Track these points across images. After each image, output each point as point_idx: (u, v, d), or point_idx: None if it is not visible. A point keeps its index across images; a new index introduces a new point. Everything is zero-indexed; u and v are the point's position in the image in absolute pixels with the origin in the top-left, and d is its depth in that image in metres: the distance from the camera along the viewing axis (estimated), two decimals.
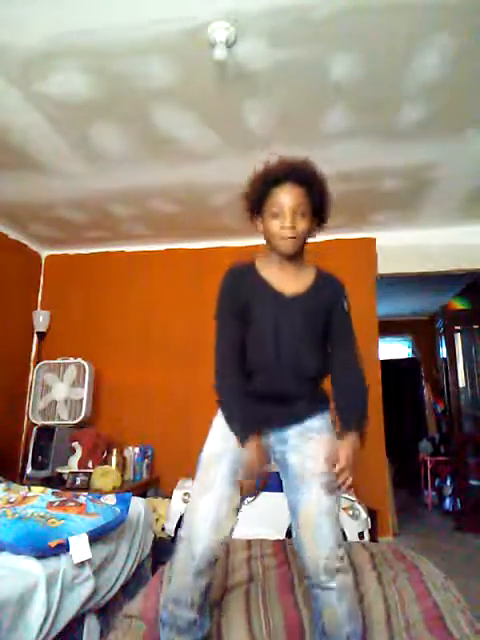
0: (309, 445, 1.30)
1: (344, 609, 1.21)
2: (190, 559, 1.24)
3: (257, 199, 1.34)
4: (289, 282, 1.35)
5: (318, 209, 1.36)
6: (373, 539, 2.86)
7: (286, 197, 1.29)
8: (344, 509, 2.69)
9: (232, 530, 1.29)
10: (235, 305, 1.35)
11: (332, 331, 1.38)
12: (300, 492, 1.27)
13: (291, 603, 1.51)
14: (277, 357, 1.30)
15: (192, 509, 1.28)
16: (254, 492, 1.36)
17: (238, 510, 1.30)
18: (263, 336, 1.32)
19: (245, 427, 1.26)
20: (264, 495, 2.74)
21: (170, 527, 2.78)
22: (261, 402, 1.30)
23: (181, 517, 2.54)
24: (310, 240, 1.38)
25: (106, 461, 3.32)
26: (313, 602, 1.28)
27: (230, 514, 1.26)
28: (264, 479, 1.35)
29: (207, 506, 1.25)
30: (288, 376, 1.31)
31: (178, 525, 2.66)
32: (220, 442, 1.31)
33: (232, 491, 1.27)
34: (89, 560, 1.65)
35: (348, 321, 1.41)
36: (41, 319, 3.95)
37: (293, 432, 1.33)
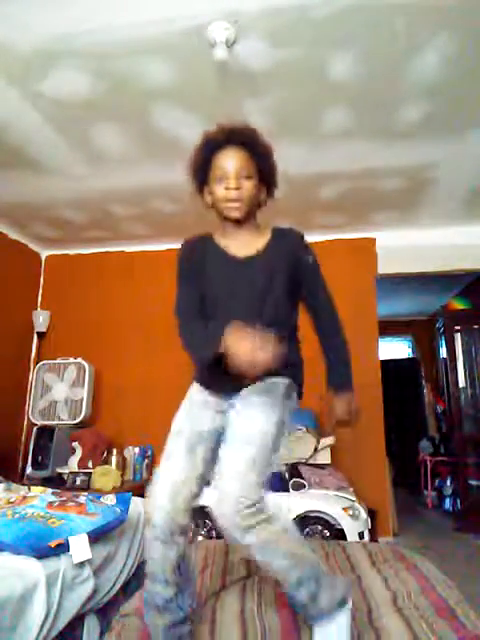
0: (246, 410, 1.24)
1: (278, 560, 1.15)
2: (151, 528, 1.23)
3: (201, 168, 1.33)
4: (242, 248, 1.32)
5: (265, 174, 1.33)
6: (373, 539, 2.87)
7: (228, 160, 1.28)
8: (344, 509, 2.69)
9: (194, 498, 1.25)
10: (189, 272, 1.34)
11: (303, 289, 1.35)
12: (223, 453, 1.20)
13: (287, 602, 1.50)
14: (233, 320, 1.22)
15: (153, 481, 1.28)
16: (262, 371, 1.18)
17: (203, 481, 1.27)
18: (217, 300, 1.29)
19: (212, 340, 1.19)
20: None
21: None
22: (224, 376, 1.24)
23: None
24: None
25: (106, 461, 3.32)
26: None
27: (187, 481, 1.24)
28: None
29: (163, 475, 1.25)
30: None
31: None
32: (181, 415, 1.34)
33: (188, 460, 1.26)
34: (89, 560, 1.65)
35: (317, 276, 1.37)
36: (41, 319, 3.95)
37: (238, 396, 1.27)
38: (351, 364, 1.38)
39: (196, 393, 1.37)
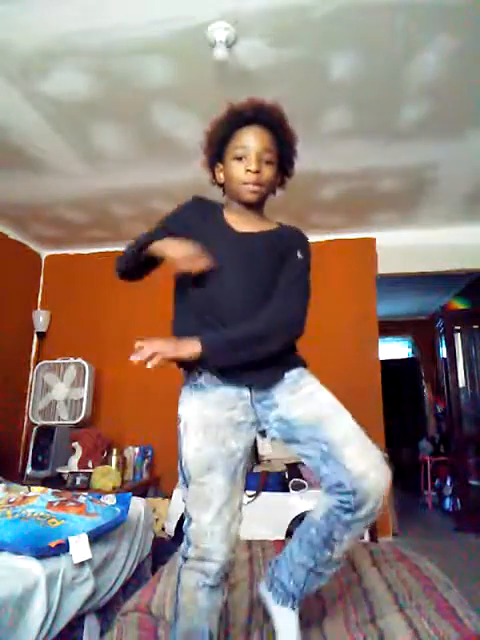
0: (302, 393, 1.16)
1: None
2: (203, 577, 1.10)
3: (219, 141, 1.23)
4: (246, 226, 1.24)
5: (285, 161, 1.26)
6: (373, 539, 2.86)
7: (253, 139, 1.18)
8: None
9: (239, 528, 1.17)
10: (180, 225, 1.23)
11: (280, 278, 1.21)
12: (327, 430, 1.10)
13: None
14: (234, 299, 1.16)
15: (196, 529, 1.12)
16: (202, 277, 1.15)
17: (242, 504, 1.18)
18: (216, 274, 1.15)
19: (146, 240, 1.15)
20: (264, 495, 2.74)
21: (170, 527, 2.78)
22: (234, 371, 1.14)
23: (182, 517, 2.54)
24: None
25: (106, 461, 3.31)
26: (322, 545, 1.12)
27: (235, 516, 1.15)
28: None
29: (210, 520, 1.11)
30: (239, 322, 1.15)
31: (178, 526, 2.66)
32: (200, 445, 1.13)
33: (231, 494, 1.13)
34: (89, 560, 1.65)
35: (300, 271, 1.24)
36: (41, 319, 3.94)
37: (279, 392, 1.16)
38: (236, 345, 1.13)
39: (206, 408, 1.16)
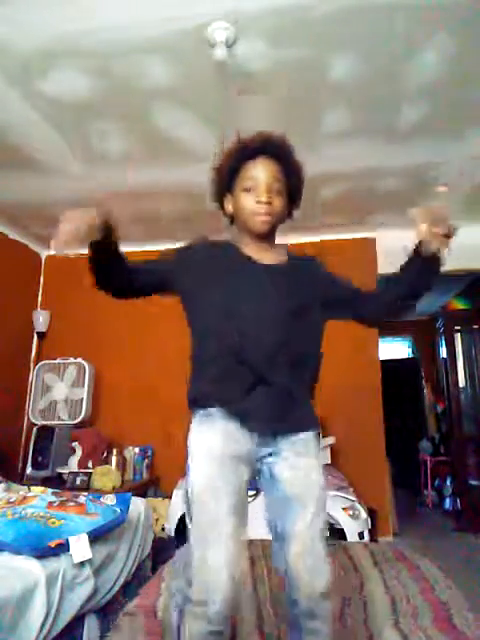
0: (302, 461, 1.15)
1: (329, 629, 1.12)
2: (208, 625, 1.04)
3: (228, 173, 1.24)
4: (267, 259, 1.23)
5: (293, 191, 1.27)
6: (373, 539, 2.86)
7: (261, 171, 1.20)
8: (344, 509, 2.69)
9: (245, 565, 1.19)
10: (192, 257, 1.23)
11: (335, 293, 1.27)
12: (292, 514, 1.10)
13: None
14: (260, 335, 1.13)
15: (201, 568, 1.06)
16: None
17: (246, 539, 1.15)
18: (232, 304, 1.15)
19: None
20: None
21: (170, 527, 2.78)
22: (248, 393, 1.13)
23: (182, 517, 2.54)
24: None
25: (106, 461, 3.32)
26: (293, 632, 1.15)
27: (242, 550, 1.10)
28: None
29: (217, 555, 1.05)
30: (276, 362, 1.13)
31: (178, 526, 2.66)
32: (208, 471, 1.10)
33: (239, 528, 1.09)
34: (89, 560, 1.65)
35: (339, 277, 1.31)
36: (41, 319, 3.94)
37: (286, 443, 1.15)
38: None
39: (216, 439, 1.13)
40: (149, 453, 3.56)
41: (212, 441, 1.13)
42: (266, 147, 1.23)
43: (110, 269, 1.22)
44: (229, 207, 1.28)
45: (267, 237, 1.25)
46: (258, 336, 1.14)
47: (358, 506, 2.76)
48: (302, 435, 1.17)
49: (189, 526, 1.13)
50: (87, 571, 1.65)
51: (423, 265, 1.21)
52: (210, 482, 1.10)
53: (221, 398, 1.13)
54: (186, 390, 1.19)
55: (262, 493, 1.21)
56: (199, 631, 1.06)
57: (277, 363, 1.13)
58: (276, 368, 1.13)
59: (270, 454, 1.16)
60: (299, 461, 1.15)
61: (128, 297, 1.35)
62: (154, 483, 3.54)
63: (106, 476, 3.05)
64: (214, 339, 1.16)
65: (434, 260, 1.21)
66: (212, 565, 1.05)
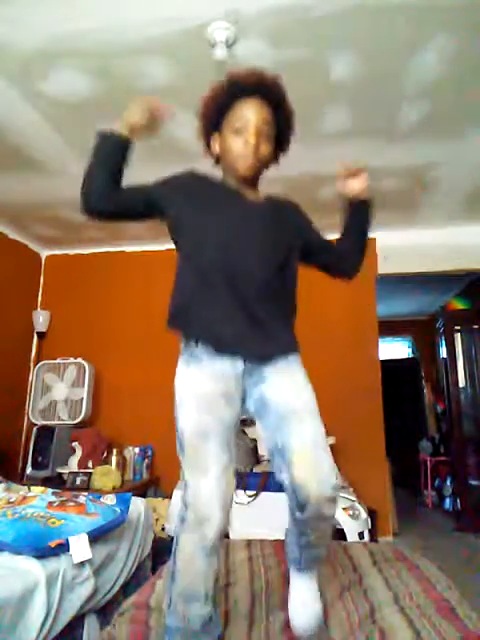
0: (289, 379, 1.18)
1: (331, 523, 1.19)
2: (201, 541, 1.12)
3: (217, 110, 1.23)
4: (248, 195, 1.26)
5: (282, 136, 1.26)
6: (373, 539, 2.87)
7: (253, 113, 1.18)
8: (344, 509, 2.69)
9: (234, 495, 1.20)
10: (178, 186, 1.26)
11: (311, 238, 1.35)
12: (291, 427, 1.12)
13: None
14: (250, 263, 1.16)
15: (194, 494, 1.13)
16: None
17: (236, 472, 1.21)
18: (219, 237, 1.18)
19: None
20: (264, 495, 2.74)
21: (170, 527, 2.78)
22: (232, 321, 1.15)
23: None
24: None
25: (106, 461, 3.32)
26: (296, 532, 1.19)
27: (230, 481, 1.16)
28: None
29: (209, 487, 1.12)
30: (260, 289, 1.16)
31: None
32: (197, 414, 1.14)
33: (227, 462, 1.15)
34: (89, 560, 1.65)
35: (314, 224, 1.38)
36: (41, 319, 3.95)
37: (270, 368, 1.17)
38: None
39: (202, 379, 1.16)
40: (149, 453, 3.57)
41: (200, 383, 1.15)
42: (260, 88, 1.20)
43: (118, 177, 1.26)
44: (216, 146, 1.28)
45: (251, 180, 1.26)
46: (245, 259, 1.16)
47: (358, 506, 2.76)
48: (287, 358, 1.20)
49: (181, 460, 1.18)
50: (87, 571, 1.65)
51: (355, 208, 1.37)
52: (199, 427, 1.13)
53: (202, 315, 1.17)
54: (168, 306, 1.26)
55: (256, 421, 1.24)
56: (193, 547, 1.13)
57: (260, 291, 1.16)
58: (260, 296, 1.16)
59: (257, 381, 1.18)
60: (286, 379, 1.18)
61: (116, 217, 1.34)
62: (154, 483, 3.54)
63: (106, 476, 3.06)
64: (203, 258, 1.19)
65: (362, 202, 1.38)
66: (205, 495, 1.11)
